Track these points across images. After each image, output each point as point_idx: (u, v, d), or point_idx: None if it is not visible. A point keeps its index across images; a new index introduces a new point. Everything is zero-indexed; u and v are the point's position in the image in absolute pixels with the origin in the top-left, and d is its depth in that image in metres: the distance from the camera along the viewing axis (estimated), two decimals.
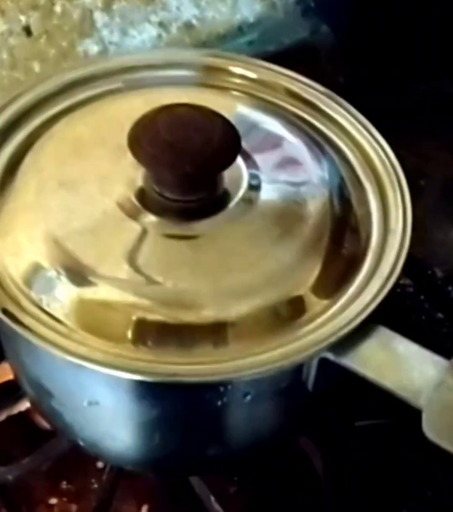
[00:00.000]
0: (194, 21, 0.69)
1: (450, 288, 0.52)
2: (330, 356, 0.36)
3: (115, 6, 0.65)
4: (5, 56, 0.62)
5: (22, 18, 0.62)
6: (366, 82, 0.67)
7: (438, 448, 0.47)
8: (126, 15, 0.66)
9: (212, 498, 0.43)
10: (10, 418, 0.47)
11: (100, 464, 0.48)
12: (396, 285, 0.52)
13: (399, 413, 0.49)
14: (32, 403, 0.44)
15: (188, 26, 0.68)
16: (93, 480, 0.48)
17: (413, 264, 0.54)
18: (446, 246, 0.56)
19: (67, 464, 0.48)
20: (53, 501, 0.48)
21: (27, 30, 0.63)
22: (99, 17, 0.65)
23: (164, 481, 0.49)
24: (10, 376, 0.46)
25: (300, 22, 0.74)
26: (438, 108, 0.65)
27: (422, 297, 0.53)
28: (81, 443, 0.42)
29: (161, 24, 0.67)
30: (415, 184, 0.59)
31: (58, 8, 0.63)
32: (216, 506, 0.43)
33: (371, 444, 0.49)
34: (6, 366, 0.47)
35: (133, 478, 0.48)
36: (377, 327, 0.37)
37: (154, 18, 0.67)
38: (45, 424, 0.47)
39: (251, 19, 0.72)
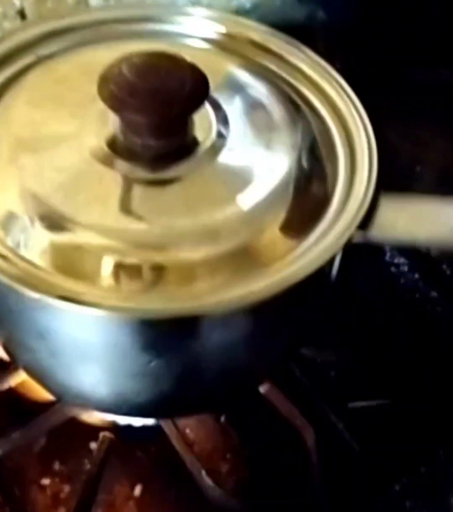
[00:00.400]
0: (190, 6, 0.69)
1: (444, 266, 0.52)
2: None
3: None
4: None
5: (17, 2, 0.62)
6: (363, 68, 0.67)
7: (430, 426, 0.48)
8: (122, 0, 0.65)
9: (203, 473, 0.43)
10: (0, 394, 0.47)
11: (93, 445, 0.48)
12: (390, 262, 0.53)
13: (392, 394, 0.50)
14: (7, 351, 0.44)
15: None
16: (86, 461, 0.48)
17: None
18: None
19: (60, 445, 0.48)
20: (46, 482, 0.48)
21: (22, 14, 0.62)
22: (94, 1, 0.65)
23: (156, 461, 0.48)
24: None
25: (296, 8, 0.73)
26: (434, 95, 0.65)
27: (416, 275, 0.53)
28: (55, 388, 0.43)
29: None
30: (412, 170, 0.60)
31: None
32: (208, 480, 0.42)
33: (364, 426, 0.49)
34: None
35: (126, 457, 0.48)
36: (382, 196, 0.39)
37: (149, 2, 0.67)
38: (36, 397, 0.47)
39: (247, 5, 0.72)
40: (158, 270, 0.37)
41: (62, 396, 0.44)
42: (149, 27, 0.48)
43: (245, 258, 0.38)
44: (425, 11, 0.66)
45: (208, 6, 0.69)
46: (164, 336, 0.37)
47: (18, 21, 0.62)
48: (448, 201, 0.41)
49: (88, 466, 0.48)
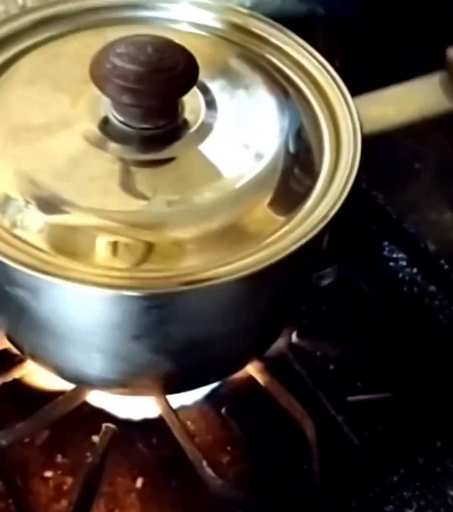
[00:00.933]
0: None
1: (442, 261, 0.53)
2: None
3: None
4: None
5: None
6: (362, 65, 0.67)
7: (428, 417, 0.48)
8: None
9: (205, 464, 0.43)
10: (4, 385, 0.47)
11: (95, 438, 0.49)
12: (389, 257, 0.53)
13: (391, 387, 0.50)
14: (10, 340, 0.45)
15: None
16: (88, 454, 0.48)
17: (406, 239, 0.54)
18: (440, 224, 0.57)
19: (62, 438, 0.49)
20: (48, 474, 0.48)
21: None
22: None
23: (157, 452, 0.49)
24: (3, 345, 0.47)
25: (296, 6, 0.74)
26: None
27: (414, 270, 0.54)
28: (53, 366, 0.43)
29: None
30: (410, 165, 0.60)
31: None
32: (209, 471, 0.43)
33: (363, 419, 0.49)
34: None
35: (127, 449, 0.49)
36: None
37: None
38: (40, 388, 0.47)
39: (247, 3, 0.71)
40: (151, 248, 0.38)
41: (65, 377, 0.45)
42: (138, 14, 0.49)
43: (235, 235, 0.39)
44: (425, 8, 0.67)
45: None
46: (155, 312, 0.38)
47: None
48: (411, 84, 0.47)
49: (90, 459, 0.48)
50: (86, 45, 0.44)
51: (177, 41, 0.41)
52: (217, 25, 0.48)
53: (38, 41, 0.46)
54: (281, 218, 0.40)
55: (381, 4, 0.68)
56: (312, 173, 0.42)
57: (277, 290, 0.41)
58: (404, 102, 0.48)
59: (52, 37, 0.46)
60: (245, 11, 0.49)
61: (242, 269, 0.37)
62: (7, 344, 0.46)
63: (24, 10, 0.48)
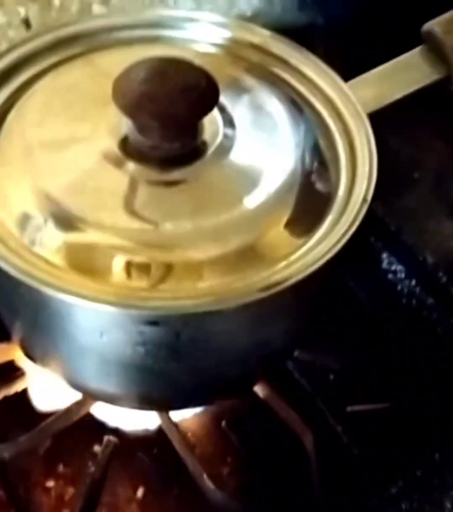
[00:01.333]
0: None
1: (441, 274, 0.53)
2: None
3: None
4: (4, 47, 0.63)
5: (21, 10, 0.62)
6: (363, 74, 0.67)
7: (427, 429, 0.48)
8: (124, 7, 0.66)
9: (205, 476, 0.44)
10: (7, 399, 0.48)
11: (97, 448, 0.49)
12: (387, 269, 0.53)
13: (390, 398, 0.51)
14: (22, 348, 0.46)
15: None
16: (89, 464, 0.48)
17: (405, 251, 0.55)
18: (439, 235, 0.57)
19: (64, 448, 0.49)
20: (50, 484, 0.49)
21: (26, 22, 0.63)
22: (98, 10, 0.65)
23: (158, 463, 0.49)
24: (7, 357, 0.47)
25: (297, 15, 0.74)
26: (432, 98, 0.66)
27: (413, 282, 0.54)
28: (70, 381, 0.44)
29: None
30: (409, 173, 0.60)
31: (56, 1, 0.63)
32: (209, 483, 0.43)
33: (362, 429, 0.49)
34: (2, 347, 0.48)
35: (128, 459, 0.49)
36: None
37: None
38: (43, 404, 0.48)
39: (248, 13, 0.72)
40: (166, 269, 0.38)
41: (74, 386, 0.45)
42: (156, 33, 0.49)
43: (250, 257, 0.39)
44: (425, 19, 0.67)
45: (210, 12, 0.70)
46: (168, 332, 0.38)
47: (23, 30, 0.63)
48: (395, 62, 0.49)
49: (92, 469, 0.48)
50: (105, 64, 0.45)
51: (196, 60, 0.41)
52: (235, 44, 0.49)
53: (58, 61, 0.46)
54: (298, 240, 0.40)
55: (382, 13, 0.68)
56: (327, 194, 0.42)
57: (291, 312, 0.42)
58: (395, 78, 0.49)
59: (72, 57, 0.47)
60: (265, 32, 0.49)
61: (257, 291, 0.37)
62: (9, 357, 0.47)
63: (42, 30, 0.48)
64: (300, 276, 0.38)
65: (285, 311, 0.41)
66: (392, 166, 0.59)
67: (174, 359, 0.39)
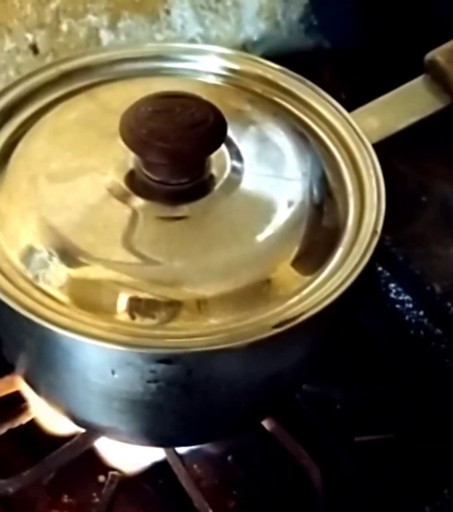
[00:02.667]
0: (198, 40, 0.69)
1: (449, 304, 0.52)
2: None
3: (120, 24, 0.65)
4: (12, 73, 0.63)
5: (29, 37, 0.62)
6: (368, 99, 0.67)
7: (434, 463, 0.48)
8: (132, 33, 0.66)
9: (210, 511, 0.43)
10: (11, 431, 0.47)
11: (101, 478, 0.49)
12: (395, 299, 0.53)
13: (398, 429, 0.50)
14: (27, 381, 0.45)
15: None
16: (94, 494, 0.48)
17: (412, 280, 0.54)
18: (446, 261, 0.57)
19: (69, 478, 0.48)
20: None
21: (34, 48, 0.63)
22: (105, 35, 0.66)
23: (163, 494, 0.49)
24: (11, 389, 0.47)
25: (303, 40, 0.74)
26: (439, 123, 0.66)
27: (421, 313, 0.53)
28: (75, 418, 0.44)
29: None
30: (416, 199, 0.60)
31: (64, 27, 0.63)
32: None
33: (371, 461, 0.49)
34: (7, 379, 0.47)
35: (132, 491, 0.48)
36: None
37: (159, 36, 0.67)
38: (48, 434, 0.47)
39: (255, 38, 0.72)
40: (175, 306, 0.38)
41: (77, 422, 0.45)
42: (155, 65, 0.49)
43: (261, 293, 0.39)
44: (431, 44, 0.67)
45: (217, 38, 0.70)
46: (181, 370, 0.38)
47: (30, 56, 0.63)
48: (399, 91, 0.50)
49: (96, 500, 0.48)
50: (108, 99, 0.45)
51: (203, 93, 0.41)
52: (238, 75, 0.49)
53: (61, 96, 0.47)
54: (308, 273, 0.40)
55: (388, 38, 0.68)
56: (336, 224, 0.42)
57: (303, 347, 0.41)
58: (398, 108, 0.49)
59: (75, 91, 0.47)
60: (275, 66, 0.49)
61: (271, 328, 0.37)
62: (13, 389, 0.47)
63: (53, 62, 0.49)
64: (314, 311, 0.37)
65: (297, 346, 0.41)
66: (398, 191, 0.59)
67: (185, 396, 0.39)
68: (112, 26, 0.65)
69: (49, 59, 0.64)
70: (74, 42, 0.65)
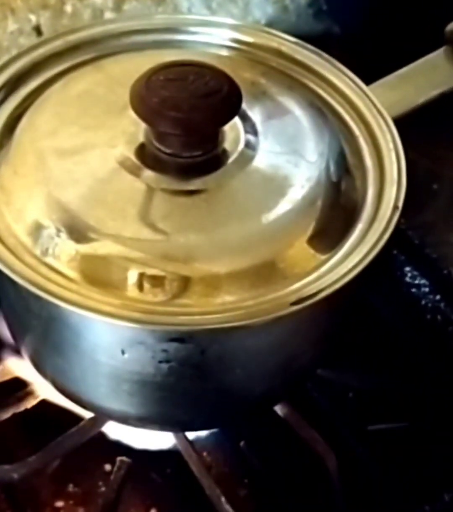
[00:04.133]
0: None
1: None
2: None
3: (126, 6, 0.65)
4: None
5: (33, 18, 0.62)
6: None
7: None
8: (137, 15, 0.65)
9: (223, 499, 0.42)
10: (15, 416, 0.46)
11: (107, 467, 0.48)
12: (411, 283, 0.52)
13: (413, 416, 0.49)
14: (33, 364, 0.44)
15: None
16: (100, 483, 0.48)
17: (429, 264, 0.53)
18: None
19: (74, 467, 0.48)
20: (60, 504, 0.47)
21: (38, 30, 0.63)
22: (110, 17, 0.65)
23: (171, 483, 0.48)
24: (15, 374, 0.46)
25: (312, 24, 0.73)
26: (450, 110, 0.65)
27: (437, 297, 0.52)
28: (82, 401, 0.43)
29: None
30: (428, 186, 0.59)
31: (68, 8, 0.63)
32: (227, 506, 0.42)
33: (383, 449, 0.48)
34: (10, 363, 0.47)
35: (141, 480, 0.47)
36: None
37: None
38: (54, 419, 0.46)
39: (263, 21, 0.71)
40: (183, 282, 0.37)
41: (85, 406, 0.44)
42: (166, 37, 0.48)
43: (277, 270, 0.38)
44: (442, 29, 0.66)
45: None
46: (194, 349, 0.37)
47: (34, 37, 0.63)
48: (418, 64, 0.49)
49: (102, 489, 0.47)
50: (116, 71, 0.44)
51: (216, 65, 0.40)
52: (251, 48, 0.48)
53: (67, 68, 0.45)
54: (327, 250, 0.39)
55: (398, 23, 0.67)
56: (355, 200, 0.41)
57: (320, 327, 0.40)
58: (418, 81, 0.48)
59: (82, 63, 0.46)
60: (291, 38, 0.48)
61: (290, 305, 0.36)
62: (17, 374, 0.46)
63: (61, 33, 0.47)
64: (333, 287, 0.36)
65: (314, 326, 0.40)
66: (410, 179, 0.58)
67: (197, 377, 0.38)
68: (117, 8, 0.65)
69: None
70: (78, 23, 0.64)
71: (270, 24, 0.72)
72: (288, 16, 0.73)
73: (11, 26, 0.61)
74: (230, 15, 0.70)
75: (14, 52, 0.61)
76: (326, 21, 0.73)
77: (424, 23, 0.65)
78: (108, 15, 0.65)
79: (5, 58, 0.50)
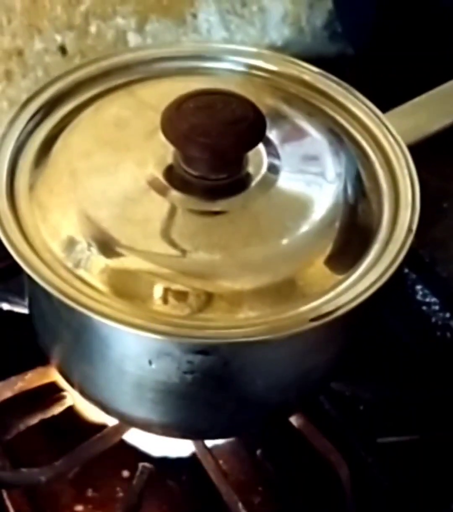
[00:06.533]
0: None
1: None
2: None
3: (148, 27, 0.66)
4: (40, 73, 0.64)
5: (58, 38, 0.63)
6: (391, 106, 0.67)
7: None
8: (159, 36, 0.67)
9: (240, 505, 0.43)
10: (43, 422, 0.48)
11: (125, 473, 0.49)
12: (422, 301, 0.53)
13: (424, 430, 0.50)
14: (61, 372, 0.46)
15: None
16: (118, 489, 0.49)
17: (439, 283, 0.54)
18: None
19: (93, 473, 0.49)
20: (79, 508, 0.48)
21: (63, 49, 0.64)
22: (133, 38, 0.66)
23: (187, 490, 0.49)
24: (44, 380, 0.48)
25: (327, 45, 0.75)
26: None
27: (447, 315, 0.54)
28: (108, 408, 0.44)
29: None
30: (438, 205, 0.60)
31: (93, 29, 0.64)
32: None
33: (393, 461, 0.49)
34: (39, 370, 0.48)
35: (159, 486, 0.48)
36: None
37: (185, 40, 0.68)
38: (79, 425, 0.48)
39: (279, 43, 0.73)
40: (207, 298, 0.38)
41: (113, 415, 0.45)
42: (192, 64, 0.50)
43: (294, 289, 0.39)
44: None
45: (242, 43, 0.71)
46: (217, 361, 0.39)
47: (58, 57, 0.64)
48: (432, 93, 0.51)
49: (120, 494, 0.48)
50: (146, 96, 0.46)
51: (241, 92, 0.42)
52: (272, 75, 0.49)
53: (99, 93, 0.47)
54: (344, 270, 0.40)
55: (413, 45, 0.68)
56: (370, 222, 0.42)
57: (336, 342, 0.42)
58: (433, 109, 0.50)
59: (113, 88, 0.47)
60: (312, 68, 0.50)
61: (309, 321, 0.37)
62: (46, 380, 0.47)
63: (94, 59, 0.49)
64: (351, 305, 0.38)
65: (331, 341, 0.41)
66: (420, 197, 0.59)
67: (219, 388, 0.39)
68: (140, 29, 0.66)
69: (77, 61, 0.64)
70: (102, 44, 0.65)
71: (286, 45, 0.74)
72: (303, 38, 0.74)
73: (38, 45, 0.63)
74: (247, 37, 0.71)
75: (40, 70, 0.64)
76: (341, 43, 0.75)
77: (436, 46, 0.67)
78: (131, 36, 0.67)
79: (39, 77, 0.52)
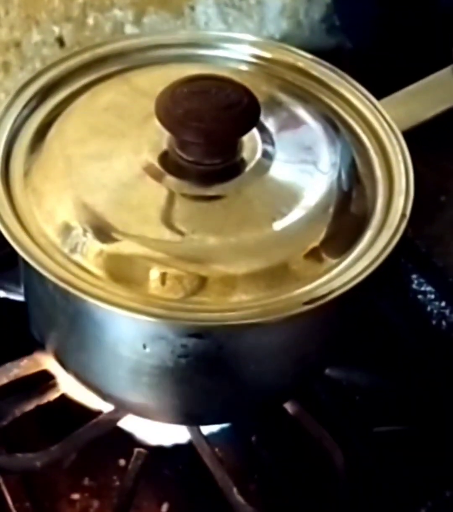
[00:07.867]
0: None
1: None
2: None
3: (145, 19, 0.66)
4: (38, 65, 0.64)
5: (56, 29, 0.63)
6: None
7: None
8: (156, 28, 0.67)
9: (235, 490, 0.43)
10: (39, 408, 0.48)
11: (122, 462, 0.49)
12: (417, 290, 0.53)
13: (418, 419, 0.50)
14: (56, 358, 0.46)
15: None
16: (115, 477, 0.49)
17: (435, 273, 0.55)
18: None
19: (90, 461, 0.49)
20: (75, 496, 0.49)
21: (60, 41, 0.64)
22: (130, 30, 0.66)
23: (182, 477, 0.49)
24: (39, 367, 0.48)
25: (325, 39, 0.75)
26: None
27: (443, 303, 0.54)
28: (103, 394, 0.44)
29: None
30: (435, 199, 0.60)
31: (90, 20, 0.64)
32: (239, 498, 0.43)
33: (388, 451, 0.49)
34: (35, 357, 0.48)
35: (155, 474, 0.49)
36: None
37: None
38: (75, 411, 0.48)
39: (277, 36, 0.73)
40: (201, 281, 0.39)
41: (109, 400, 0.46)
42: (188, 52, 0.50)
43: (287, 273, 0.39)
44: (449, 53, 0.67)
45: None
46: (211, 344, 0.39)
47: (56, 48, 0.64)
48: (426, 81, 0.52)
49: (117, 483, 0.49)
50: (141, 83, 0.46)
51: (236, 79, 0.42)
52: (268, 63, 0.50)
53: (94, 80, 0.48)
54: (337, 255, 0.40)
55: (411, 38, 0.68)
56: (364, 208, 0.43)
57: (330, 327, 0.42)
58: (427, 97, 0.50)
59: (107, 76, 0.48)
60: (307, 55, 0.50)
61: (303, 304, 0.38)
62: (42, 367, 0.47)
63: (89, 46, 0.50)
64: (344, 289, 0.38)
65: (324, 326, 0.41)
66: (417, 191, 0.59)
67: (214, 372, 0.40)
68: (137, 21, 0.66)
69: None
70: (99, 35, 0.65)
71: (284, 38, 0.74)
72: (301, 31, 0.74)
73: (35, 37, 0.63)
74: (246, 29, 0.71)
75: (37, 62, 0.64)
76: (338, 36, 0.75)
77: (433, 41, 0.67)
78: (128, 27, 0.67)
79: (37, 69, 0.52)
